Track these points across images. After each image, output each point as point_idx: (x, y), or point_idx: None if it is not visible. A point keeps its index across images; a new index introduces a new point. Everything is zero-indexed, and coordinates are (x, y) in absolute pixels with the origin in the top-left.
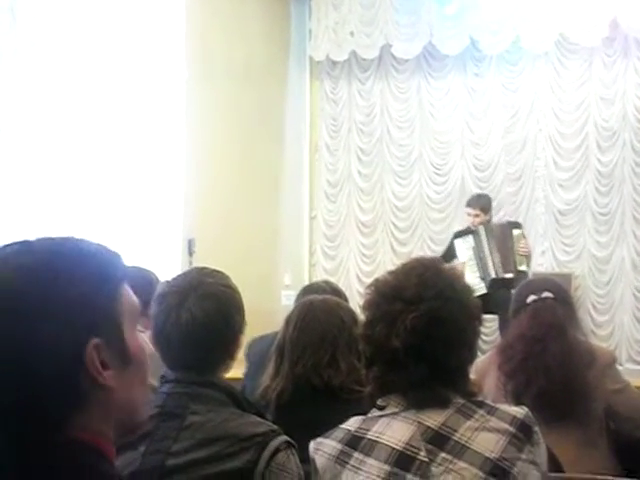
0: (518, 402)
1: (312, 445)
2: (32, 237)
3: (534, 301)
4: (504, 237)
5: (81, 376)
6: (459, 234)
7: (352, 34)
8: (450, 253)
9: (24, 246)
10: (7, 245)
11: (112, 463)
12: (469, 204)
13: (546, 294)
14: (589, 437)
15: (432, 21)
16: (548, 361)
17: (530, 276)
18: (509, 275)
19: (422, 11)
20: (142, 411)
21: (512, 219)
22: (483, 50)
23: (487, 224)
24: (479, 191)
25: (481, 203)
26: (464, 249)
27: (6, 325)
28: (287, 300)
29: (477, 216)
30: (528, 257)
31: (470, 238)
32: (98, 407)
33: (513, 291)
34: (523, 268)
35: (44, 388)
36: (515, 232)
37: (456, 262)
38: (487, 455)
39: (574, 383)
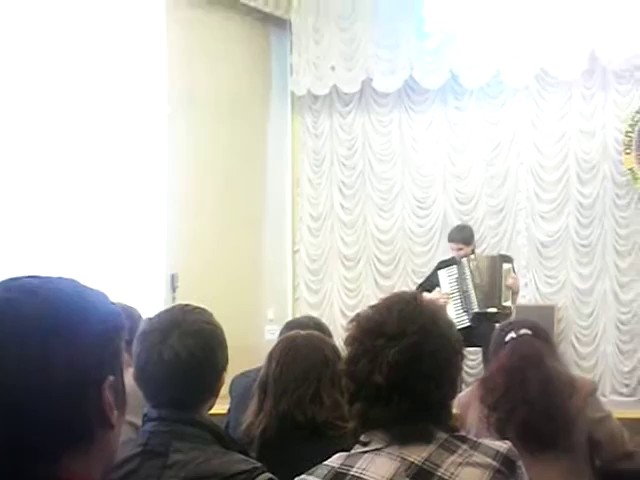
0: (501, 434)
1: None
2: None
3: (512, 338)
4: (493, 270)
5: (92, 413)
6: (443, 264)
7: (333, 68)
8: (431, 283)
9: (47, 280)
10: (25, 277)
11: None
12: (451, 239)
13: (524, 331)
14: (574, 467)
15: (412, 55)
16: (528, 391)
17: (514, 311)
18: (492, 310)
19: (402, 45)
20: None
21: (504, 253)
22: (463, 84)
23: (471, 256)
24: (462, 224)
25: (463, 236)
26: (447, 280)
27: (36, 351)
28: (271, 335)
29: (460, 249)
30: (515, 293)
31: (454, 269)
32: (98, 446)
33: (497, 324)
34: (507, 304)
35: (58, 419)
36: (505, 266)
37: (437, 291)
38: None
39: (555, 412)
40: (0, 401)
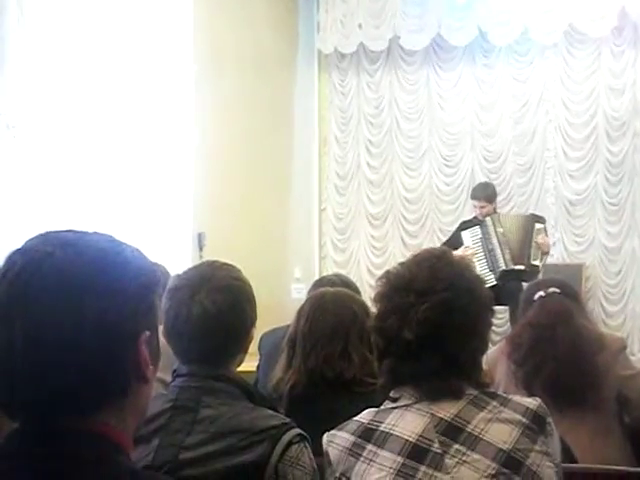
0: (529, 389)
1: (325, 438)
2: (58, 229)
3: (541, 297)
4: (524, 229)
5: (129, 365)
6: (465, 225)
7: (360, 26)
8: (454, 244)
9: (84, 235)
10: (63, 231)
11: (129, 457)
12: (474, 196)
13: (553, 290)
14: (603, 423)
15: (440, 12)
16: (557, 347)
17: (541, 270)
18: (520, 267)
19: (430, 3)
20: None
21: (536, 212)
22: (492, 41)
23: (494, 214)
24: (486, 182)
25: (486, 194)
26: (471, 241)
27: (71, 304)
28: (297, 293)
29: (483, 207)
30: (544, 253)
31: (477, 229)
32: (133, 401)
33: (524, 283)
34: (536, 262)
35: (94, 372)
36: (537, 226)
37: (462, 249)
38: (500, 446)
39: (584, 368)
40: (36, 355)
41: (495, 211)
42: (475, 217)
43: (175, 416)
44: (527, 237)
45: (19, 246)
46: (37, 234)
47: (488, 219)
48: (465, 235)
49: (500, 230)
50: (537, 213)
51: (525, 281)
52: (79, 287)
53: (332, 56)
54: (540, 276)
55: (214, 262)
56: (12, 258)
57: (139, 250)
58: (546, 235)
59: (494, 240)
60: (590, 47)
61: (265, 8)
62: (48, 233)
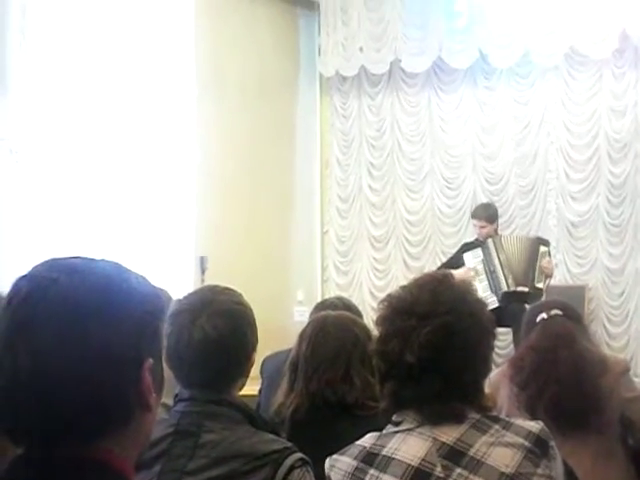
0: (531, 413)
1: (328, 462)
2: (64, 255)
3: (543, 319)
4: (530, 251)
5: (132, 393)
6: (467, 247)
7: (361, 49)
8: (454, 264)
9: (90, 261)
10: (69, 258)
11: None
12: (475, 215)
13: (555, 312)
14: (606, 446)
15: (441, 35)
16: (559, 369)
17: (544, 294)
18: (524, 289)
19: (431, 25)
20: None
21: (542, 236)
22: (493, 63)
23: (496, 236)
24: (487, 202)
25: (487, 214)
26: (473, 263)
27: (75, 331)
28: (300, 316)
29: (483, 227)
30: (548, 276)
31: (479, 251)
32: (136, 428)
33: (527, 305)
34: (540, 285)
35: (97, 400)
36: (542, 249)
37: (464, 269)
38: (503, 470)
39: (587, 390)
40: (40, 382)
41: (496, 232)
42: (477, 239)
43: (177, 441)
44: (532, 260)
45: (25, 272)
46: (43, 260)
47: (490, 241)
48: (467, 257)
49: (502, 252)
50: (541, 236)
51: (528, 303)
52: (83, 314)
53: (333, 79)
54: (543, 298)
55: (215, 287)
56: (18, 284)
57: (144, 277)
58: (550, 258)
59: (496, 262)
60: (591, 69)
61: (267, 31)
62: (54, 259)
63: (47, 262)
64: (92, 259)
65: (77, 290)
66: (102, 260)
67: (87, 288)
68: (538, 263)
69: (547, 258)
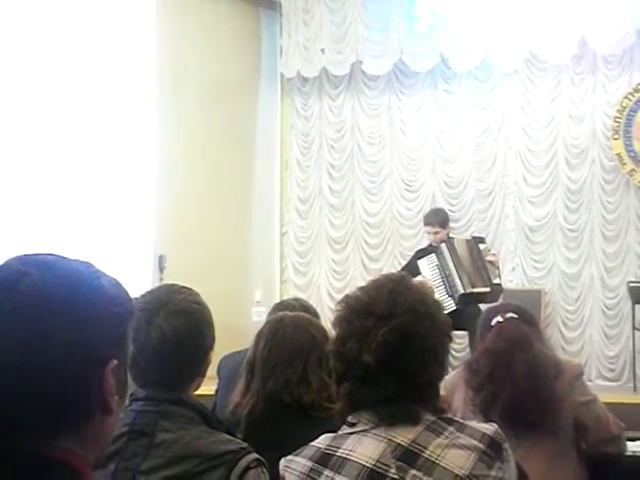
0: (486, 416)
1: (282, 463)
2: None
3: (498, 322)
4: (472, 252)
5: (93, 393)
6: (421, 254)
7: (323, 51)
8: (410, 271)
9: (62, 258)
10: (42, 254)
11: None
12: (427, 222)
13: (510, 315)
14: (559, 449)
15: (402, 38)
16: (514, 373)
17: (503, 287)
18: (485, 289)
19: (392, 28)
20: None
21: (476, 234)
22: (453, 67)
23: (449, 240)
24: (437, 207)
25: (439, 218)
26: (429, 269)
27: (40, 323)
28: (258, 316)
29: (437, 233)
30: (496, 268)
31: (433, 257)
32: (96, 429)
33: (482, 306)
34: (497, 281)
35: (56, 394)
36: (482, 246)
37: (420, 278)
38: (457, 472)
39: (541, 394)
40: None
41: (449, 236)
42: (430, 244)
43: (131, 440)
44: (479, 259)
45: None
46: (16, 255)
47: (443, 245)
48: (422, 264)
49: (455, 255)
50: (476, 235)
51: (485, 302)
52: (50, 309)
53: (295, 80)
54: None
55: (172, 285)
56: None
57: (117, 281)
58: (492, 251)
59: (450, 265)
60: (550, 74)
61: (228, 32)
62: (27, 254)
63: (19, 256)
64: (65, 257)
65: (46, 284)
66: (75, 259)
67: (57, 283)
68: (486, 260)
69: (489, 253)
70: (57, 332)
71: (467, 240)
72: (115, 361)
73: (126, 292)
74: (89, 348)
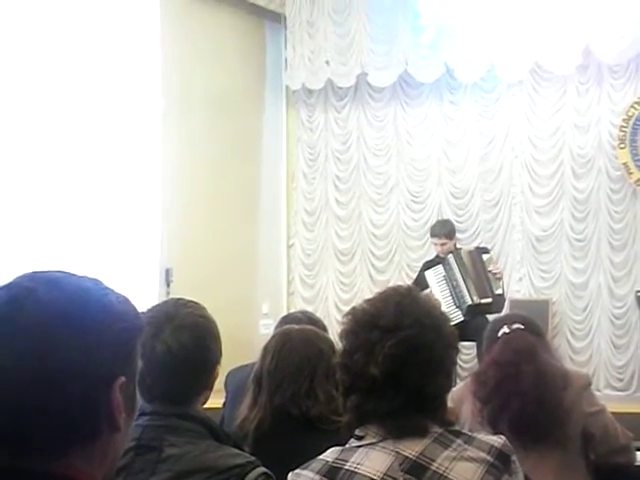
0: (494, 427)
1: (290, 477)
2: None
3: (505, 333)
4: (475, 263)
5: (101, 411)
6: (428, 265)
7: (328, 63)
8: (419, 284)
9: (71, 275)
10: (51, 271)
11: None
12: (434, 234)
13: (517, 326)
14: (567, 460)
15: (407, 50)
16: (522, 384)
17: (506, 298)
18: (487, 300)
19: (397, 40)
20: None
21: (481, 245)
22: (458, 78)
23: (456, 251)
24: (443, 218)
25: (446, 230)
26: (435, 281)
27: (48, 341)
28: (265, 329)
29: (444, 244)
30: (499, 279)
31: (440, 268)
32: (104, 446)
33: (490, 317)
34: (499, 292)
35: (64, 412)
36: (485, 257)
37: (428, 292)
38: None
39: (549, 405)
40: (7, 390)
41: (456, 247)
42: (437, 256)
43: (138, 455)
44: (482, 270)
45: (5, 283)
46: (24, 272)
47: (450, 256)
48: (429, 275)
49: (463, 265)
50: (480, 245)
51: (491, 313)
52: (58, 326)
53: (300, 92)
54: (506, 305)
55: (179, 300)
56: None
57: (126, 297)
58: (495, 261)
59: (458, 276)
60: (555, 85)
61: (233, 44)
62: (35, 272)
63: (28, 273)
64: (73, 274)
65: (54, 301)
66: (83, 276)
67: (65, 300)
68: (488, 271)
69: (493, 263)
70: (63, 350)
71: (470, 251)
72: (123, 378)
73: (134, 308)
74: (96, 365)
